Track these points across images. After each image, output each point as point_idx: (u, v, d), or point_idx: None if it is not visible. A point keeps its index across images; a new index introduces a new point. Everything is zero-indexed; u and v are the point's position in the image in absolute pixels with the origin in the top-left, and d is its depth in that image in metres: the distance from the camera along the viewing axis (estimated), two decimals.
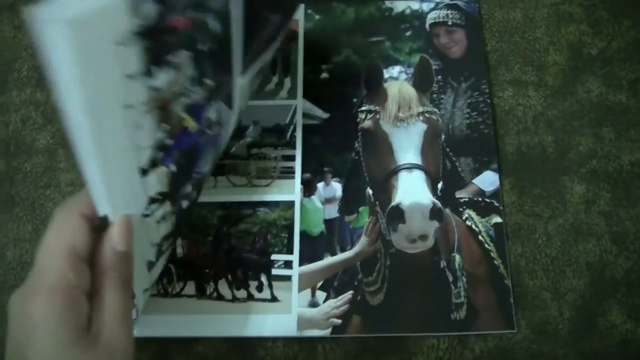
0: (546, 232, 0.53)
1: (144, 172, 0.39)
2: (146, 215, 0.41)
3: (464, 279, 0.50)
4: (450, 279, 0.50)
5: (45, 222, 0.53)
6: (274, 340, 0.50)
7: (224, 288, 0.52)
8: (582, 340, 0.49)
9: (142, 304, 0.46)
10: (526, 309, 0.50)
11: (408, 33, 0.59)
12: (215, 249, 0.54)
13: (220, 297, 0.52)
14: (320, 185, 0.55)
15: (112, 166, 0.35)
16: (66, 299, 0.34)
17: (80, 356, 0.34)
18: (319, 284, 0.52)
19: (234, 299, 0.52)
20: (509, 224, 0.53)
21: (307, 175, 0.55)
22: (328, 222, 0.54)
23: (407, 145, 0.54)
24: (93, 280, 0.37)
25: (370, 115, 0.55)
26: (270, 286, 0.52)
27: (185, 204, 0.46)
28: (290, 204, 0.54)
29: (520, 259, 0.52)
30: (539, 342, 0.49)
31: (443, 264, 0.51)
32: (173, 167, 0.42)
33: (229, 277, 0.53)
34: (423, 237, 0.51)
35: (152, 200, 0.41)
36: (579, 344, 0.49)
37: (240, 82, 0.47)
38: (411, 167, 0.53)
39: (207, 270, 0.53)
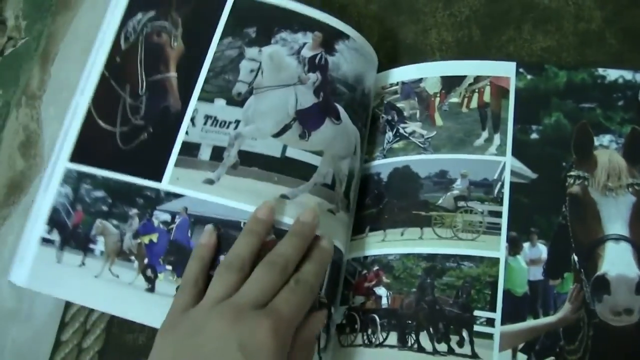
0: None
1: None
2: None
3: None
4: None
5: None
6: None
7: (425, 340, 0.52)
8: None
9: None
10: None
11: (620, 102, 0.59)
12: (419, 300, 0.54)
13: (421, 349, 0.52)
14: (525, 244, 0.55)
15: None
16: None
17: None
18: (520, 346, 0.51)
19: (435, 352, 0.51)
20: None
21: (513, 233, 0.55)
22: (532, 283, 0.53)
23: (615, 215, 0.53)
24: None
25: (579, 181, 0.55)
26: (472, 342, 0.52)
27: None
28: (495, 261, 0.54)
29: None
30: None
31: None
32: None
33: (431, 329, 0.52)
34: (628, 311, 0.50)
35: None
36: None
37: None
38: (618, 238, 0.52)
39: (410, 322, 0.53)
